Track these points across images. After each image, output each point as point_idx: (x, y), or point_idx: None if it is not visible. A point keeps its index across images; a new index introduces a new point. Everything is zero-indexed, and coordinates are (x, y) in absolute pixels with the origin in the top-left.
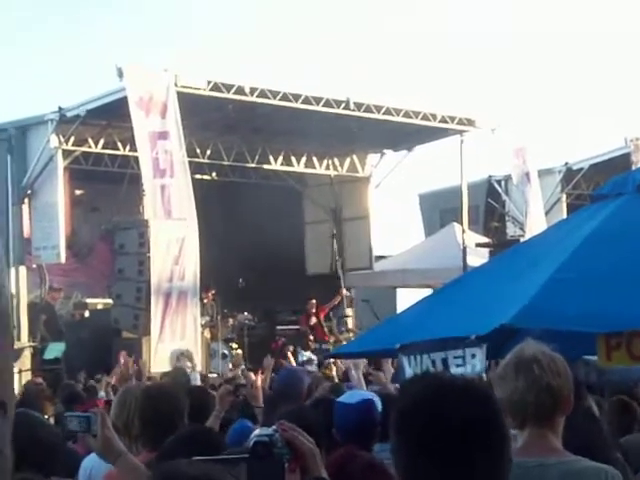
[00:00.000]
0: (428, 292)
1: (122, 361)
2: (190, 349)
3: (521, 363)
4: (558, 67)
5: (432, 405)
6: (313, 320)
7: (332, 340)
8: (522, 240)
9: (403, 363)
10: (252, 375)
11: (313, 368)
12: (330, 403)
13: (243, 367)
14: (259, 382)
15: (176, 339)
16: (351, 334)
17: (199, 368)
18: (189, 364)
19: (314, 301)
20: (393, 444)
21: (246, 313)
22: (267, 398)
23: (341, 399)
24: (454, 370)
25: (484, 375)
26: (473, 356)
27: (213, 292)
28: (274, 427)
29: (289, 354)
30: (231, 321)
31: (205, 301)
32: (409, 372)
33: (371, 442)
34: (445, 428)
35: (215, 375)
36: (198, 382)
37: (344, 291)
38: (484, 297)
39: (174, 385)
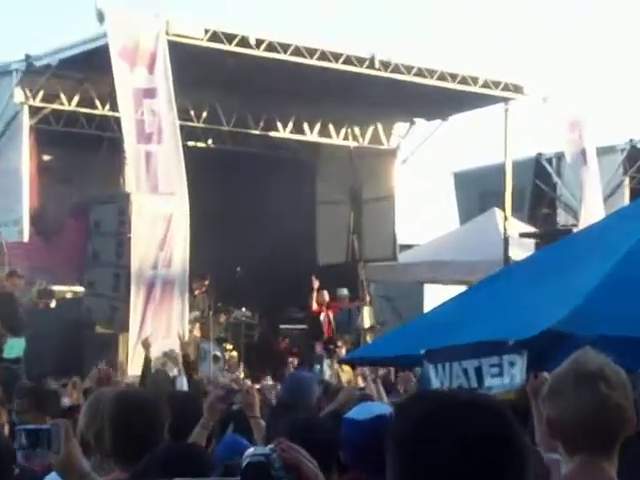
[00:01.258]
0: (462, 289)
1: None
2: (176, 349)
3: (584, 377)
4: (622, 29)
5: (429, 426)
6: (323, 314)
7: (340, 343)
8: (575, 230)
9: (429, 372)
10: (248, 381)
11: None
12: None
13: (238, 374)
14: (255, 388)
15: (159, 337)
16: (368, 337)
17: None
18: (175, 367)
19: (326, 292)
20: (388, 473)
21: (244, 309)
22: (271, 410)
23: (350, 414)
24: (489, 381)
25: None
26: (512, 364)
27: (206, 282)
28: (271, 446)
29: (290, 362)
30: (226, 317)
31: (195, 293)
32: (435, 383)
33: (385, 468)
34: (443, 452)
35: (205, 381)
36: (184, 388)
37: (367, 297)
38: (527, 296)
39: (154, 391)
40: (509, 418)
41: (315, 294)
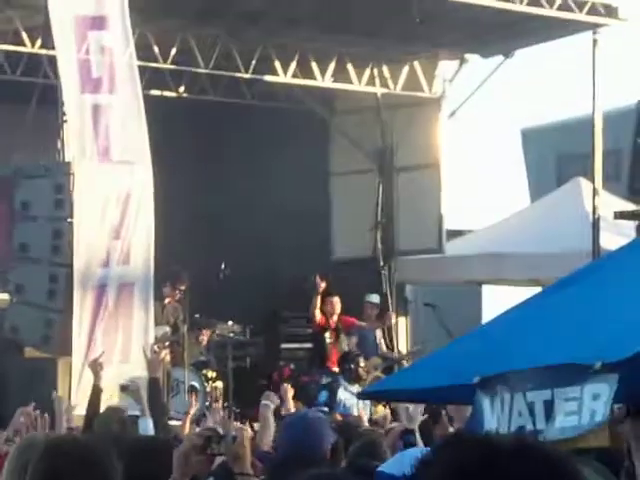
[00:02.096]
0: (536, 291)
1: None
2: (139, 377)
3: None
4: None
5: (484, 478)
6: (329, 332)
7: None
8: None
9: (482, 407)
10: (238, 424)
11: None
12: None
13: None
14: (248, 434)
15: (114, 361)
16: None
17: None
18: (135, 404)
19: (337, 299)
20: None
21: (231, 323)
22: (271, 464)
23: (385, 468)
24: (561, 420)
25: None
26: (595, 397)
27: (182, 287)
28: None
29: (287, 391)
30: (206, 335)
31: (165, 301)
32: (490, 422)
33: None
34: None
35: (177, 422)
36: (150, 432)
37: (392, 316)
38: (624, 302)
39: (101, 437)
40: (574, 475)
41: (318, 300)
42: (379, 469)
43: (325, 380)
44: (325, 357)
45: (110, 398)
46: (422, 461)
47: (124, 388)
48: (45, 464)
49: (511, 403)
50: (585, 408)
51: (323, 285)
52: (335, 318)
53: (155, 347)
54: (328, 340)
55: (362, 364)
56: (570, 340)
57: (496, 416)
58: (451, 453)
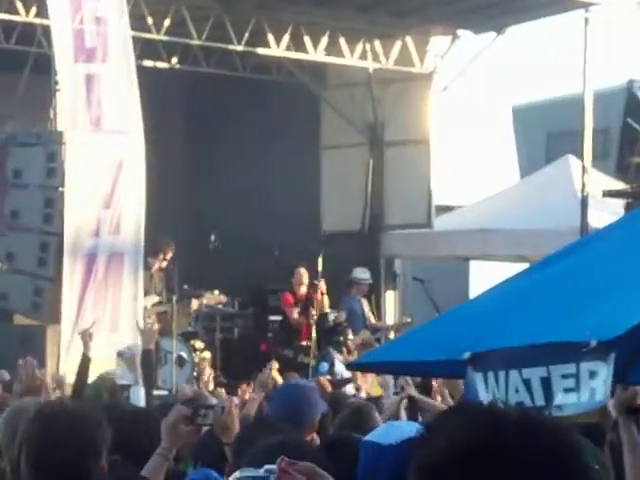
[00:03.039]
0: (522, 268)
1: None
2: (133, 347)
3: None
4: None
5: (466, 453)
6: (298, 304)
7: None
8: None
9: (475, 383)
10: (224, 394)
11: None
12: (355, 444)
13: (207, 377)
14: (235, 404)
15: (104, 330)
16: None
17: None
18: (129, 373)
19: (304, 270)
20: None
21: (217, 292)
22: (245, 428)
23: (372, 437)
24: (561, 398)
25: (609, 405)
26: (592, 375)
27: (168, 255)
28: (268, 467)
29: (273, 367)
30: (195, 305)
31: (152, 270)
32: (485, 398)
33: None
34: None
35: (165, 392)
36: (141, 403)
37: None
38: (614, 279)
39: (92, 406)
40: (577, 448)
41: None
42: (365, 438)
43: (292, 354)
44: (289, 334)
45: (100, 367)
46: (427, 429)
47: (120, 354)
48: (35, 429)
49: (506, 379)
50: (584, 385)
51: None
52: (303, 289)
53: (146, 317)
54: (295, 315)
55: (350, 336)
56: (564, 317)
57: (491, 392)
58: (456, 422)
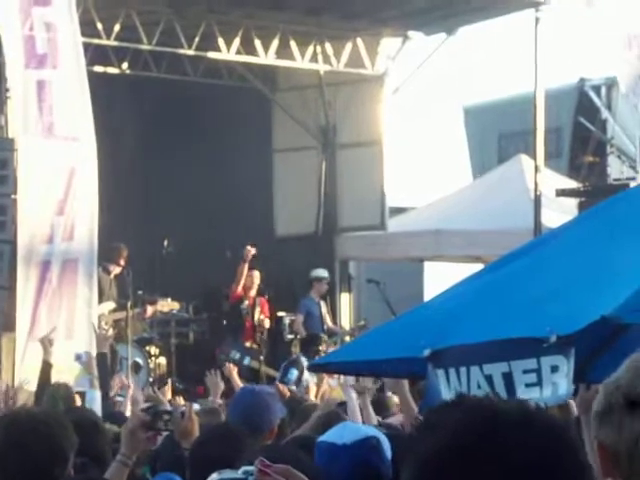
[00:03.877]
0: (476, 268)
1: None
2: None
3: None
4: None
5: (468, 449)
6: (246, 303)
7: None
8: (633, 185)
9: (437, 381)
10: (182, 399)
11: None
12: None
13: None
14: (193, 410)
15: (59, 336)
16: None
17: None
18: (85, 373)
19: (257, 273)
20: None
21: (169, 299)
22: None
23: (326, 437)
24: (523, 392)
25: (571, 402)
26: (554, 369)
27: (121, 261)
28: (245, 468)
29: (231, 370)
30: (150, 311)
31: (108, 276)
32: (448, 393)
33: None
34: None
35: (120, 398)
36: (98, 408)
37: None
38: (569, 275)
39: (52, 412)
40: (576, 445)
41: (245, 268)
42: (320, 439)
43: (234, 355)
44: (239, 329)
45: (55, 374)
46: (423, 423)
47: (78, 357)
48: (2, 436)
49: (468, 375)
50: (546, 380)
51: (253, 252)
52: (253, 293)
53: (102, 323)
54: (244, 312)
55: (322, 346)
56: (522, 314)
57: (453, 388)
58: (451, 416)
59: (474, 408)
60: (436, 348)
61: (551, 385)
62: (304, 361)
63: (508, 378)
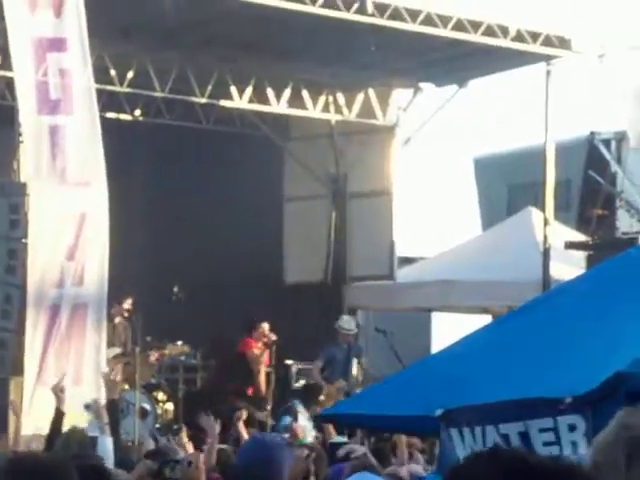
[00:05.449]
0: (485, 319)
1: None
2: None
3: (636, 444)
4: None
5: None
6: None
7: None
8: None
9: (451, 439)
10: (191, 447)
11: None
12: None
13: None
14: (202, 459)
15: (67, 382)
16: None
17: None
18: (95, 421)
19: (266, 325)
20: None
21: (180, 343)
22: None
23: None
24: (542, 450)
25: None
26: (572, 429)
27: (125, 307)
28: None
29: (240, 419)
30: (157, 356)
31: (115, 321)
32: (463, 452)
33: None
34: None
35: (128, 444)
36: (110, 454)
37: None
38: (581, 332)
39: (62, 458)
40: None
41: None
42: None
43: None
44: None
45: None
46: (456, 473)
47: (88, 407)
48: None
49: (483, 435)
50: (564, 438)
51: (273, 338)
52: (260, 344)
53: (109, 369)
54: (256, 351)
55: (324, 393)
56: (535, 372)
57: (469, 447)
58: (486, 467)
59: (509, 459)
60: (448, 407)
61: (570, 444)
62: (298, 405)
63: (525, 437)
